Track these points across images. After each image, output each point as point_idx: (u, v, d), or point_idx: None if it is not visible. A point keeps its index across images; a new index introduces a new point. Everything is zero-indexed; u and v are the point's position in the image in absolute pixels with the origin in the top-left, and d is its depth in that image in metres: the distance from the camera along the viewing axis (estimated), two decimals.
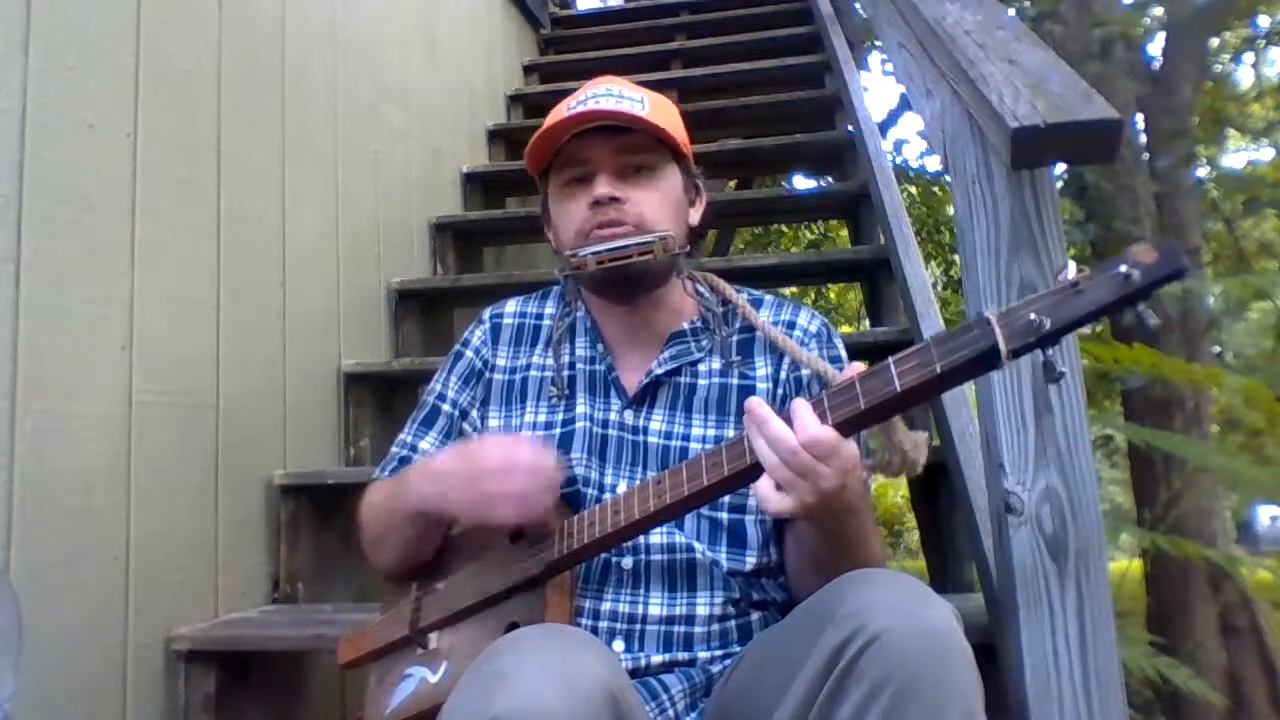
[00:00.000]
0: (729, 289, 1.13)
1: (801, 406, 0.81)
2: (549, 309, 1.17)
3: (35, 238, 1.31)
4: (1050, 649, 0.93)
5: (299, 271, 1.95)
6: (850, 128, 2.89)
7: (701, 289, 1.14)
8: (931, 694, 0.72)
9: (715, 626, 1.00)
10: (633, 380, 1.08)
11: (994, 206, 1.02)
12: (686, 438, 1.05)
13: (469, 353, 1.16)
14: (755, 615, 1.03)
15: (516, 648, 0.75)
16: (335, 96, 2.20)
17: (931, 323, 1.83)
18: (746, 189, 5.68)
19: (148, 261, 1.51)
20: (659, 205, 1.05)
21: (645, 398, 1.07)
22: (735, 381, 1.07)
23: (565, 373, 1.10)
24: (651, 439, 1.05)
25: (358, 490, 1.15)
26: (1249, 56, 6.77)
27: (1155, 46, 5.22)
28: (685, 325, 1.10)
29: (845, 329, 5.46)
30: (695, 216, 1.13)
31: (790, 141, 3.06)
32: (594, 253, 1.02)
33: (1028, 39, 1.12)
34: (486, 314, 1.19)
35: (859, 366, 0.83)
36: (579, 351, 1.12)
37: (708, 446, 1.01)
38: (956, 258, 5.11)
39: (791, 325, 1.10)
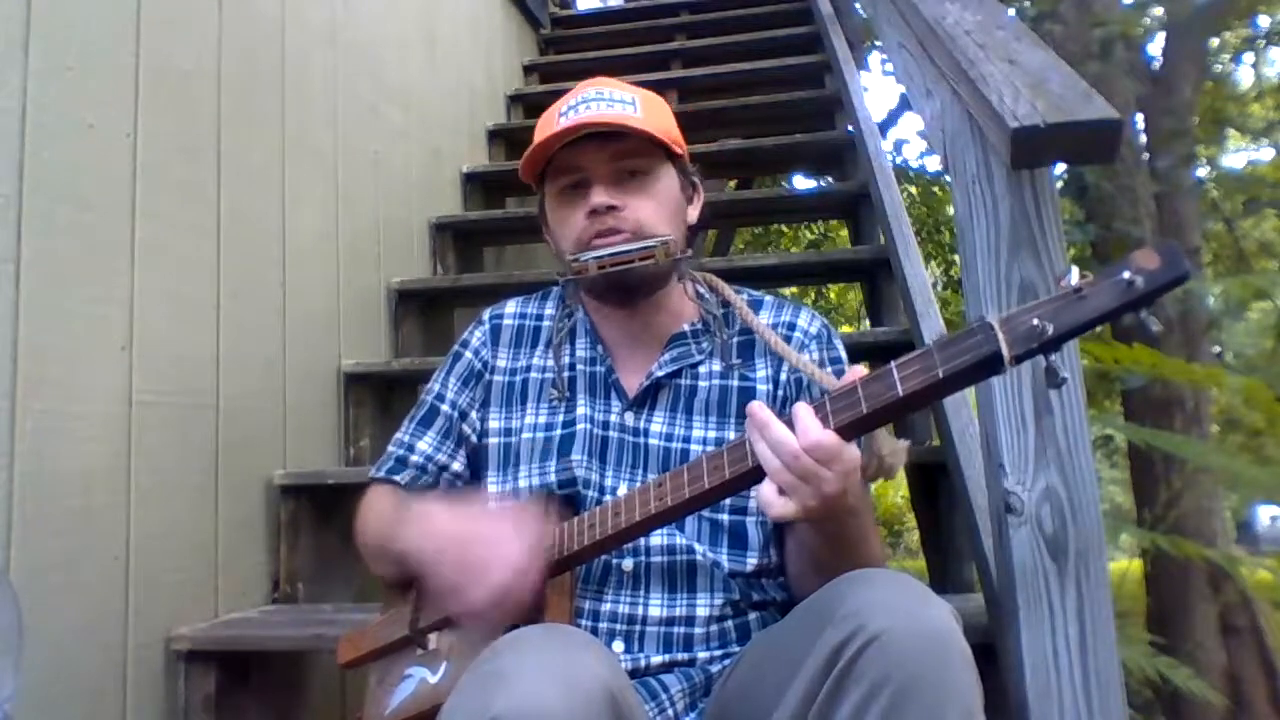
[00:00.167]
0: (729, 290, 1.13)
1: (803, 410, 0.80)
2: (549, 310, 1.17)
3: (35, 238, 1.31)
4: (1050, 649, 0.93)
5: (299, 271, 1.95)
6: (850, 128, 2.89)
7: (702, 290, 1.14)
8: (931, 694, 0.72)
9: (715, 627, 1.00)
10: (633, 382, 1.08)
11: (994, 206, 1.02)
12: (687, 440, 1.04)
13: (468, 353, 1.16)
14: (754, 615, 1.03)
15: (516, 648, 0.75)
16: (335, 96, 2.20)
17: (931, 323, 1.83)
18: (746, 189, 5.68)
19: (148, 261, 1.51)
20: (656, 209, 1.05)
21: (646, 400, 1.07)
22: (735, 383, 1.07)
23: (566, 374, 1.10)
24: (652, 441, 1.05)
25: (358, 490, 1.15)
26: (1249, 56, 6.77)
27: (1155, 46, 5.23)
28: (686, 327, 1.10)
29: (845, 329, 5.46)
30: (694, 214, 1.12)
31: (790, 141, 3.06)
32: (595, 258, 1.02)
33: (1028, 39, 1.12)
34: (486, 315, 1.19)
35: (860, 370, 0.83)
36: (579, 353, 1.12)
37: (708, 449, 1.01)
38: (956, 258, 5.10)
39: (792, 326, 1.10)
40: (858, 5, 3.20)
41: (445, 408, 1.14)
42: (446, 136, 2.93)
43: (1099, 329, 0.77)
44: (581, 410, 1.07)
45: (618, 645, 0.98)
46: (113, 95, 1.49)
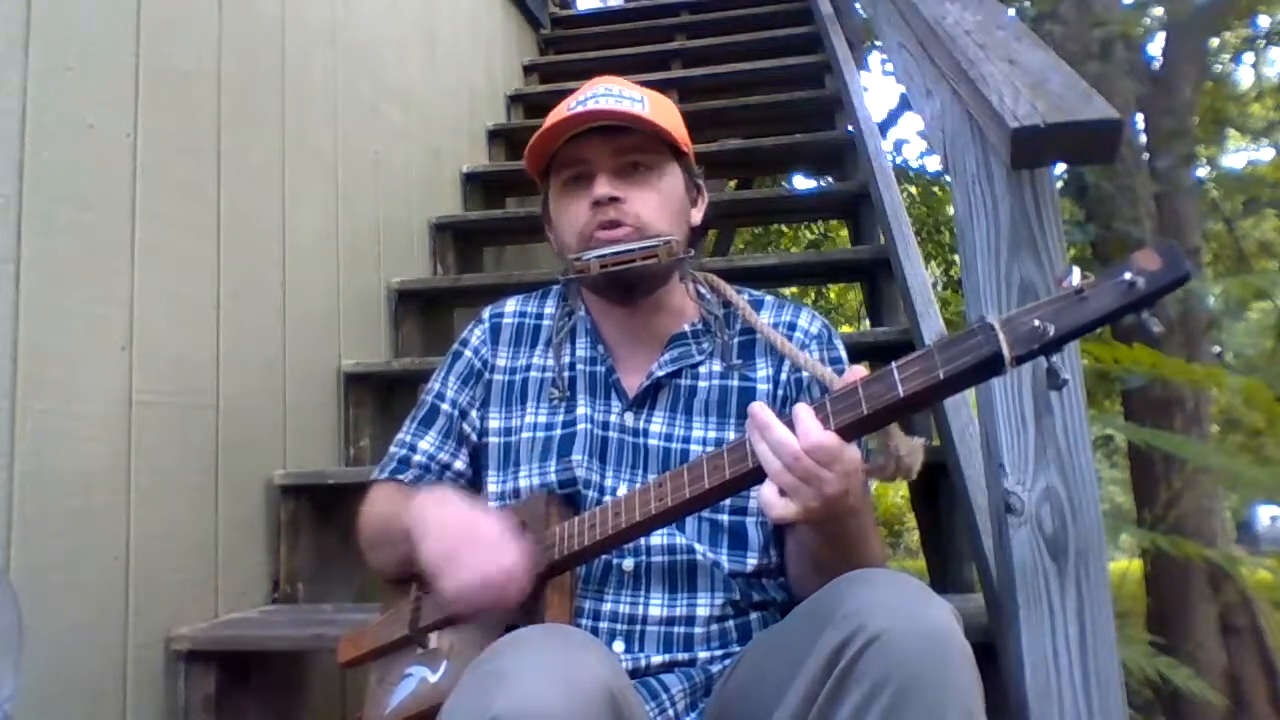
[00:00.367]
0: (730, 290, 1.13)
1: (804, 411, 0.80)
2: (549, 308, 1.17)
3: (35, 238, 1.31)
4: (1050, 649, 0.93)
5: (299, 271, 1.95)
6: (850, 128, 2.89)
7: (703, 290, 1.14)
8: (931, 694, 0.72)
9: (715, 627, 1.00)
10: (633, 382, 1.08)
11: (994, 206, 1.02)
12: (687, 440, 1.04)
13: (468, 352, 1.16)
14: (755, 615, 1.03)
15: (516, 648, 0.75)
16: (335, 96, 2.20)
17: (931, 323, 1.83)
18: (746, 189, 5.68)
19: (148, 261, 1.51)
20: (659, 205, 1.05)
21: (646, 400, 1.07)
22: (736, 384, 1.07)
23: (566, 374, 1.10)
24: (652, 441, 1.05)
25: (358, 490, 1.15)
26: (1249, 56, 6.78)
27: (1155, 46, 5.23)
28: (686, 327, 1.10)
29: (845, 329, 5.46)
30: (697, 216, 1.13)
31: (790, 141, 3.06)
32: (598, 256, 1.02)
33: (1028, 39, 1.12)
34: (486, 314, 1.19)
35: (860, 371, 0.83)
36: (579, 352, 1.12)
37: (708, 449, 1.01)
38: (956, 258, 5.10)
39: (792, 326, 1.10)
40: (858, 5, 3.21)
41: (446, 407, 1.14)
42: (446, 136, 2.93)
43: (1099, 329, 0.77)
44: (582, 410, 1.07)
45: (618, 645, 0.99)
46: (113, 95, 1.49)
